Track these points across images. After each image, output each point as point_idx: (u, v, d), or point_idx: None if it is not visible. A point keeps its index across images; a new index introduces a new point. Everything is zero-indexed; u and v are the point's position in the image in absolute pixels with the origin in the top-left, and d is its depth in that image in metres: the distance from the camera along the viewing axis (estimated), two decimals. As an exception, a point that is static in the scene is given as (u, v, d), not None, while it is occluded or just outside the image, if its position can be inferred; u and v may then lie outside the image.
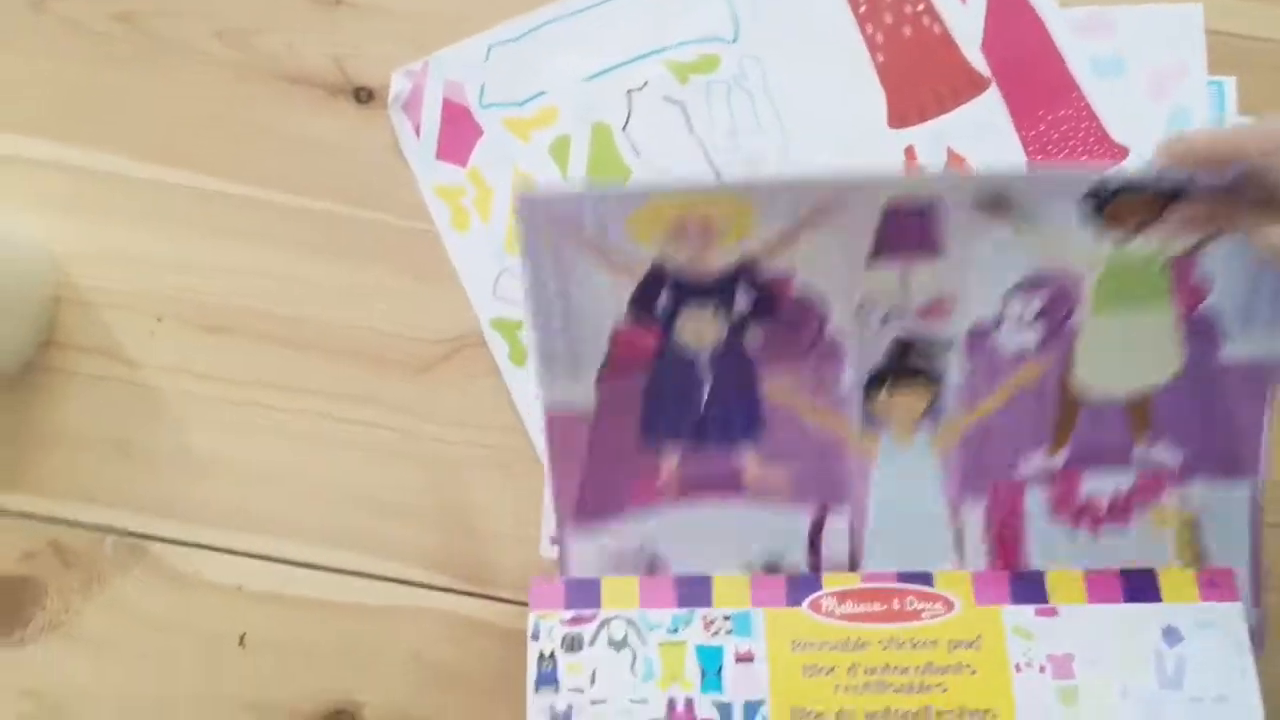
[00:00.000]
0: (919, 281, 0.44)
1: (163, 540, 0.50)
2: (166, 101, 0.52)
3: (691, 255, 0.44)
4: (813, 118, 0.52)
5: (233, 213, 0.52)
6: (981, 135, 0.51)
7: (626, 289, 0.44)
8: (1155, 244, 0.44)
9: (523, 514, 0.50)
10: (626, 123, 0.51)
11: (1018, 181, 0.42)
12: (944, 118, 0.51)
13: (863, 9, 0.52)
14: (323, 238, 0.51)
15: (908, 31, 0.52)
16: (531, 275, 0.44)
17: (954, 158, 0.51)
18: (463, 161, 0.51)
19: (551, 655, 0.48)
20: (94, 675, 0.49)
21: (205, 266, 0.51)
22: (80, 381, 0.51)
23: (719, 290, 0.44)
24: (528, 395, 0.50)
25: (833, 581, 0.48)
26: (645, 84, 0.52)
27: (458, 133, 0.52)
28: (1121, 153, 0.51)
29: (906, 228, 0.43)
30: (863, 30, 0.52)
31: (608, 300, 0.44)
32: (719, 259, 0.44)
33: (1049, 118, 0.51)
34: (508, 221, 0.51)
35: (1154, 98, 0.52)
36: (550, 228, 0.43)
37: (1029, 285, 0.45)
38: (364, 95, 0.52)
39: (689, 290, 0.44)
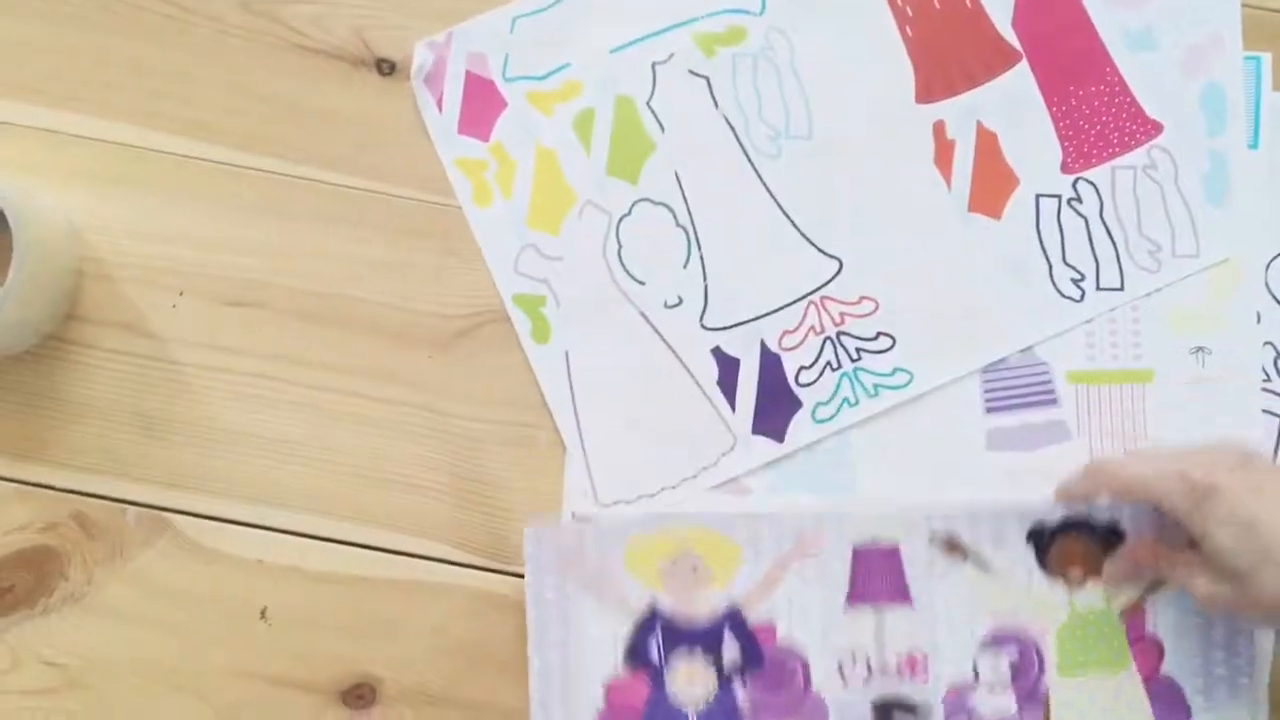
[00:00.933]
0: (893, 631, 0.46)
1: (184, 513, 0.50)
2: (191, 73, 0.52)
3: (682, 596, 0.47)
4: (840, 92, 0.51)
5: (254, 186, 0.51)
6: (1012, 110, 0.50)
7: (624, 633, 0.47)
8: (1103, 597, 0.46)
9: (543, 490, 0.50)
10: (651, 96, 0.51)
11: (962, 521, 0.46)
12: (973, 92, 0.51)
13: None
14: (344, 211, 0.51)
15: (938, 3, 0.51)
16: (536, 624, 0.47)
17: (983, 133, 0.50)
18: (485, 135, 0.51)
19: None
20: (115, 646, 0.49)
21: (227, 240, 0.51)
22: (102, 355, 0.51)
23: (708, 637, 0.47)
24: (549, 371, 0.50)
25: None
26: (671, 56, 0.51)
27: (480, 106, 0.51)
28: (1155, 128, 0.50)
29: (875, 569, 0.46)
30: (892, 2, 0.51)
31: (604, 649, 0.47)
32: (707, 604, 0.47)
33: (1080, 92, 0.50)
34: (530, 196, 0.51)
35: (1187, 73, 0.50)
36: (557, 562, 0.47)
37: (996, 640, 0.47)
38: (386, 68, 0.52)
39: (679, 636, 0.47)
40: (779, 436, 0.49)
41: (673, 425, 0.50)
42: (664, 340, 0.50)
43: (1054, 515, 0.47)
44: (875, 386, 0.49)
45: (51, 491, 0.50)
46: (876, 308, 0.50)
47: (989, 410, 0.50)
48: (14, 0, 0.52)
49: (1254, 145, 0.50)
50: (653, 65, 0.51)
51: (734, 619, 0.47)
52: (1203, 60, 0.51)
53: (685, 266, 0.50)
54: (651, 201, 0.50)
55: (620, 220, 0.50)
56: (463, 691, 0.49)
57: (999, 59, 0.51)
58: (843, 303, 0.50)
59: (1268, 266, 0.50)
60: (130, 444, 0.50)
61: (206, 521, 0.50)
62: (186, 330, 0.51)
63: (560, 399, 0.50)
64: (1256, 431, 0.49)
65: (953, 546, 0.46)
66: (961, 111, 0.51)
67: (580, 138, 0.51)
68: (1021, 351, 0.50)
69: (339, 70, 0.52)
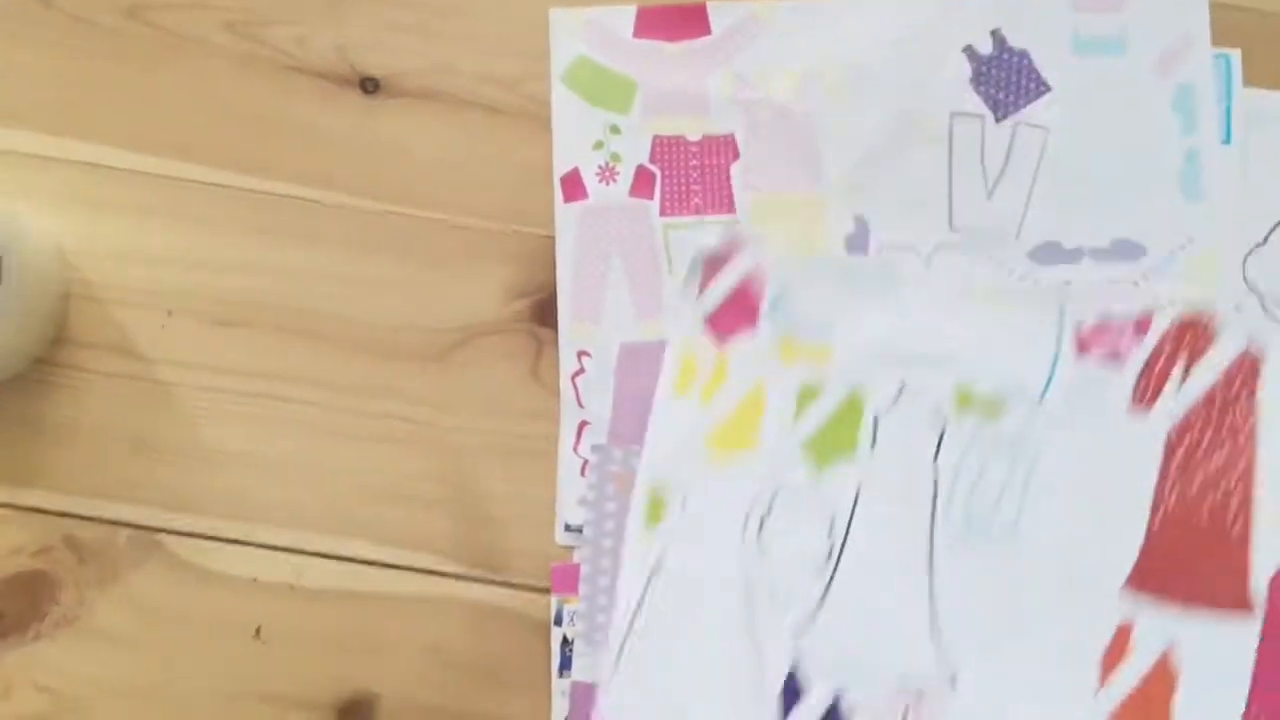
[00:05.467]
0: None
1: (176, 533, 0.50)
2: (176, 95, 0.52)
3: None
4: (1057, 524, 0.47)
5: (241, 205, 0.52)
6: (1211, 663, 0.45)
7: None
8: None
9: (537, 500, 0.50)
10: (886, 410, 0.48)
11: None
12: (1185, 615, 0.46)
13: (1175, 461, 0.47)
14: (331, 229, 0.51)
15: (1205, 512, 0.47)
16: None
17: (1164, 668, 0.46)
18: (721, 342, 0.49)
19: (575, 640, 0.48)
20: (109, 670, 0.49)
21: (215, 260, 0.51)
22: (92, 378, 0.51)
23: None
24: (636, 561, 0.48)
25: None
26: (925, 388, 0.48)
27: (735, 316, 0.49)
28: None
29: None
30: (1161, 480, 0.47)
31: None
32: None
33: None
34: (721, 419, 0.49)
35: (1160, 75, 0.51)
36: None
37: None
38: (370, 86, 0.52)
39: None
40: None
41: (706, 688, 0.47)
42: (749, 617, 0.47)
43: None
44: None
45: (43, 515, 0.50)
46: None
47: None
48: (-3, 27, 0.52)
49: (1227, 141, 0.51)
50: (903, 385, 0.48)
51: None
52: (1174, 63, 0.51)
53: (810, 575, 0.47)
54: (820, 499, 0.48)
55: (781, 494, 0.48)
56: (460, 704, 0.49)
57: (1233, 600, 0.46)
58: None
59: (1245, 260, 0.51)
60: (121, 466, 0.50)
61: (198, 541, 0.50)
62: (176, 351, 0.51)
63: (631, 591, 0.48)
64: (1242, 419, 0.50)
65: None
66: (1160, 628, 0.46)
67: (798, 405, 0.48)
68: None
69: (323, 89, 0.52)
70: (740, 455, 0.48)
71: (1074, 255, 0.50)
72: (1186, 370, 0.47)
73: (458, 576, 0.50)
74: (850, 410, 0.48)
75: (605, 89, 0.52)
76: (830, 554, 0.47)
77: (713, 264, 0.49)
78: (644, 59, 0.52)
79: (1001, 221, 0.51)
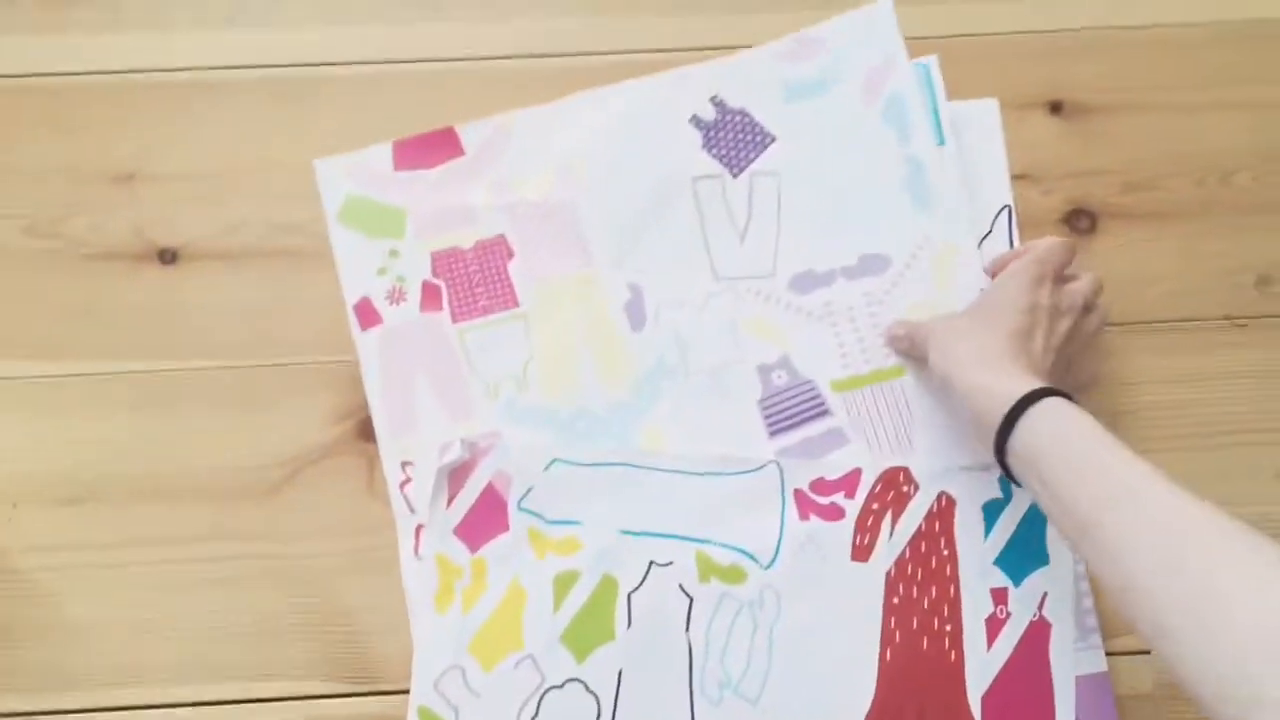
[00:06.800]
0: None
1: (54, 713, 0.52)
2: (-15, 303, 0.56)
3: None
4: (796, 684, 0.52)
5: (63, 391, 0.55)
6: None
7: None
8: None
9: (392, 605, 0.53)
10: (636, 589, 0.53)
11: None
12: None
13: (896, 600, 0.52)
14: (153, 395, 0.55)
15: (925, 644, 0.52)
16: None
17: None
18: (475, 547, 0.53)
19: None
20: None
21: (49, 447, 0.54)
22: (-49, 581, 0.53)
23: None
24: None
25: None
26: (670, 564, 0.53)
27: (484, 519, 0.53)
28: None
29: None
30: (885, 621, 0.52)
31: None
32: None
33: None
34: (483, 623, 0.52)
35: (868, 99, 0.57)
36: None
37: None
38: (168, 257, 0.56)
39: None
40: None
41: None
42: None
43: None
44: None
45: (-79, 724, 0.52)
46: None
47: (772, 434, 0.54)
48: None
49: (941, 142, 0.56)
50: (650, 563, 0.53)
51: None
52: (878, 83, 0.56)
53: None
54: (585, 687, 0.52)
55: (549, 690, 0.52)
56: (351, 816, 0.51)
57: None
58: None
59: (980, 244, 0.56)
60: (-9, 660, 0.52)
61: (76, 716, 0.52)
62: (26, 538, 0.54)
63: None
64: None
65: None
66: None
67: (555, 594, 0.52)
68: (789, 373, 0.55)
69: (125, 268, 0.56)
70: (505, 660, 0.51)
71: (828, 278, 0.56)
72: (894, 520, 0.53)
73: (331, 696, 0.52)
74: (605, 594, 0.52)
75: (378, 220, 0.56)
76: None
77: (457, 475, 0.53)
78: (408, 187, 0.57)
79: (758, 263, 0.56)
